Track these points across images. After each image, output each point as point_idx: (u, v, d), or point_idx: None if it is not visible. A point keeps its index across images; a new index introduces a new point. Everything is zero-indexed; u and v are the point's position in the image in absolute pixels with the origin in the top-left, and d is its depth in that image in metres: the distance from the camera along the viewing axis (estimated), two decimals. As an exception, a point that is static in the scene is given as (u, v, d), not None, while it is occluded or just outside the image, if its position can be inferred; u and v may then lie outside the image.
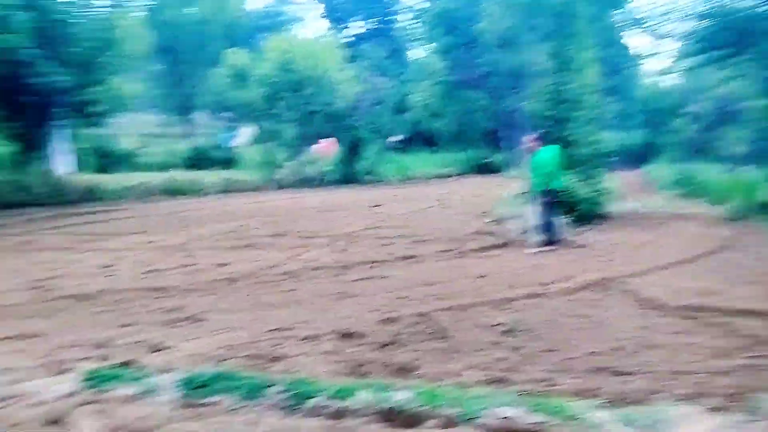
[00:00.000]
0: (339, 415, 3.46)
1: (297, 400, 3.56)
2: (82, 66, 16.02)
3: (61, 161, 18.17)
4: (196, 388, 3.69)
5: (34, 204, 15.06)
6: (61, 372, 4.16)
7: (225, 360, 4.34)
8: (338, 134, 24.22)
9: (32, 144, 16.81)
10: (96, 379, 3.84)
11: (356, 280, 7.02)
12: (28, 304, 5.93)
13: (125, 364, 4.21)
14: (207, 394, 3.64)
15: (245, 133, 31.93)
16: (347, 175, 23.11)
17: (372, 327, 5.19)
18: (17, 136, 16.59)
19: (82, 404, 3.58)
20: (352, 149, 23.68)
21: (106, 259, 8.23)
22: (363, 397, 3.57)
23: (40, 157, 17.20)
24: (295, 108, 23.20)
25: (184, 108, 36.93)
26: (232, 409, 3.46)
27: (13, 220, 13.00)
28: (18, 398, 3.70)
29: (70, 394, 3.78)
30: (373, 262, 7.93)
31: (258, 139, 27.59)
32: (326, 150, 24.87)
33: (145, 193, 18.34)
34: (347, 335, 5.01)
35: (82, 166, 19.71)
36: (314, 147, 24.97)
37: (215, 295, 6.37)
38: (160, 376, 3.88)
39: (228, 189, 20.17)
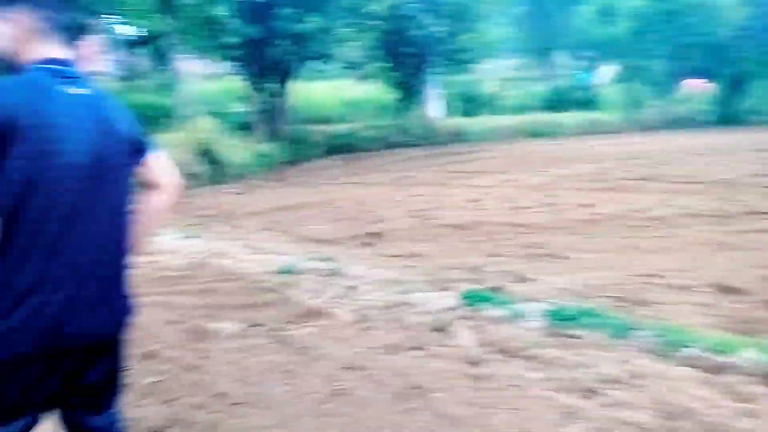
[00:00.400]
0: (717, 369, 3.15)
1: (668, 347, 3.36)
2: (455, 16, 17.34)
3: (433, 106, 20.21)
4: (563, 320, 3.79)
5: (411, 145, 17.20)
6: (444, 288, 4.76)
7: (589, 298, 4.34)
8: (717, 68, 21.08)
9: (410, 91, 19.05)
10: (472, 299, 4.26)
11: (738, 232, 6.16)
12: (413, 230, 6.88)
13: (496, 289, 4.56)
14: (572, 327, 3.72)
15: (606, 72, 30.33)
16: (727, 115, 20.12)
17: (757, 284, 4.53)
18: (399, 84, 18.98)
19: (460, 318, 4.03)
20: (734, 85, 20.36)
21: (474, 195, 8.94)
22: (748, 355, 3.17)
23: (416, 103, 19.42)
24: (667, 41, 20.95)
25: (544, 50, 36.76)
26: (599, 345, 3.46)
27: (395, 158, 15.09)
28: (409, 306, 4.38)
29: (451, 308, 4.30)
30: (762, 213, 6.82)
31: (621, 78, 25.94)
32: (700, 87, 21.99)
33: (506, 135, 19.20)
34: (726, 289, 4.48)
35: (449, 111, 21.60)
36: (686, 84, 22.31)
37: (577, 235, 6.37)
38: (527, 304, 4.11)
39: (588, 131, 19.68)
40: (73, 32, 1.70)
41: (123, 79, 20.01)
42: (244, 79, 14.26)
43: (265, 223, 7.26)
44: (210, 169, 10.24)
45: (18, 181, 1.50)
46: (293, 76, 14.33)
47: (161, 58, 16.90)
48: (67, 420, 1.78)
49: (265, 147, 12.52)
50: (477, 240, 6.44)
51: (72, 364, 1.66)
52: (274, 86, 13.99)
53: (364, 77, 19.18)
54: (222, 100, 17.32)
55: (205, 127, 10.61)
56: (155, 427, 2.72)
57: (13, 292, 1.54)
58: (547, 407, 2.80)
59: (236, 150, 10.95)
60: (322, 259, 5.49)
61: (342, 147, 15.46)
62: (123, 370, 1.86)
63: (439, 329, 3.93)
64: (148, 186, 1.86)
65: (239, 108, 15.63)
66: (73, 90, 1.62)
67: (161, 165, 1.88)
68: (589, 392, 2.93)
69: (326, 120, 19.32)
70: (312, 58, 14.72)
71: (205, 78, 16.61)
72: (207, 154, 10.28)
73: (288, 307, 4.28)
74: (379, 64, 18.09)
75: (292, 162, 13.09)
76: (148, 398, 2.90)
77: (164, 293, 4.49)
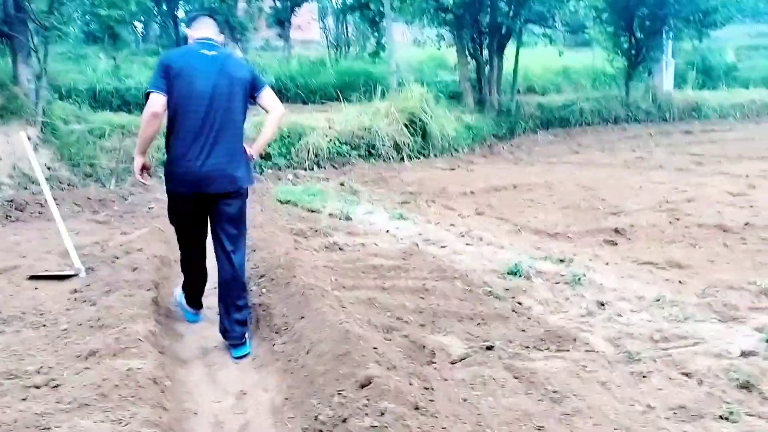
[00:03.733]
0: None
1: None
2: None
3: (662, 77, 17.57)
4: None
5: (636, 120, 15.05)
6: (732, 319, 3.49)
7: None
8: None
9: (638, 59, 16.69)
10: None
11: None
12: (662, 228, 5.50)
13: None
14: None
15: None
16: None
17: None
18: (625, 51, 16.73)
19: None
20: None
21: (736, 186, 7.14)
22: None
23: (643, 73, 16.99)
24: None
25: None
26: None
27: (619, 135, 13.25)
28: (688, 342, 3.20)
29: (752, 353, 3.06)
30: None
31: None
32: None
33: (752, 112, 16.06)
34: None
35: (681, 82, 18.68)
36: None
37: None
38: None
39: None
40: (220, 24, 3.38)
41: (334, 45, 20.41)
42: (454, 46, 13.42)
43: (479, 205, 6.37)
44: (418, 141, 9.62)
45: (176, 96, 3.05)
46: (508, 41, 13.13)
47: (372, 24, 16.74)
48: (218, 241, 3.24)
49: (474, 119, 11.61)
50: (754, 248, 4.91)
51: (218, 207, 3.17)
52: (486, 53, 12.94)
53: (585, 43, 17.20)
54: (429, 68, 16.74)
55: (414, 96, 9.99)
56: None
57: (175, 158, 3.11)
58: None
59: (445, 121, 10.20)
60: (557, 260, 4.46)
61: (556, 120, 13.94)
62: (242, 212, 3.27)
63: (746, 387, 2.74)
64: (264, 109, 3.29)
65: (448, 77, 14.85)
66: (209, 53, 3.14)
67: (269, 97, 3.24)
68: None
69: (536, 90, 17.83)
70: (531, 21, 13.35)
71: (412, 45, 16.10)
72: (415, 125, 9.67)
73: (523, 323, 3.35)
74: (605, 28, 16.03)
75: (503, 136, 12.00)
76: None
77: (373, 288, 3.82)
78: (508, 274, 4.14)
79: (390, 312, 3.45)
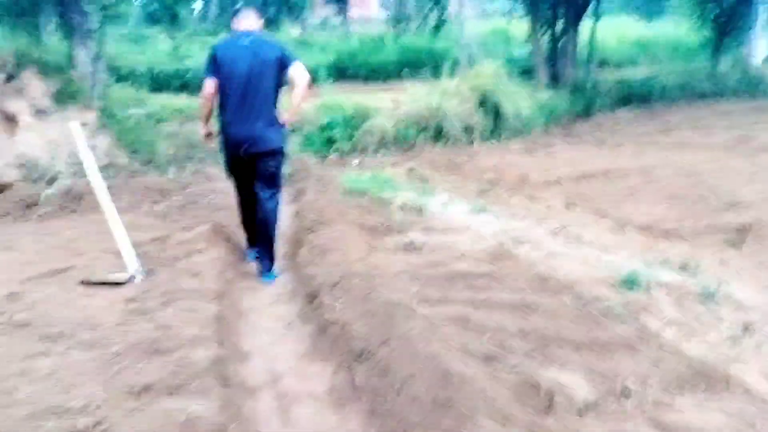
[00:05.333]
0: None
1: None
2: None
3: (755, 49, 16.07)
4: None
5: (724, 95, 13.76)
6: None
7: None
8: None
9: (726, 28, 15.27)
10: None
11: None
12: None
13: None
14: None
15: None
16: None
17: None
18: (712, 20, 15.34)
19: None
20: None
21: None
22: None
23: (733, 45, 15.57)
24: None
25: None
26: None
27: (708, 112, 12.05)
28: None
29: None
30: None
31: None
32: None
33: None
34: None
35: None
36: None
37: None
38: None
39: None
40: (260, 15, 4.14)
41: (393, 21, 19.71)
42: (526, 17, 12.54)
43: (569, 196, 5.69)
44: (490, 122, 8.92)
45: (222, 79, 3.83)
46: (585, 11, 12.15)
47: (435, -2, 15.99)
48: (255, 189, 4.05)
49: (548, 96, 10.77)
50: None
51: (257, 163, 3.95)
52: (561, 25, 12.00)
53: (659, 12, 15.85)
54: (496, 42, 15.86)
55: (486, 73, 9.27)
56: None
57: (223, 126, 3.93)
58: None
59: (518, 99, 9.44)
60: (678, 267, 3.78)
61: (636, 97, 12.88)
62: (278, 168, 4.07)
63: None
64: (291, 82, 3.87)
65: (519, 51, 13.95)
66: (245, 41, 3.88)
67: (297, 71, 3.83)
68: None
69: (610, 64, 16.68)
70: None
71: (478, 18, 15.21)
72: (487, 105, 8.97)
73: (656, 354, 2.73)
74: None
75: (579, 114, 11.10)
76: None
77: (464, 302, 3.27)
78: (623, 285, 3.50)
79: (488, 335, 2.89)
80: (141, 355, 2.67)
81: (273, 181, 4.05)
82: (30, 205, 5.77)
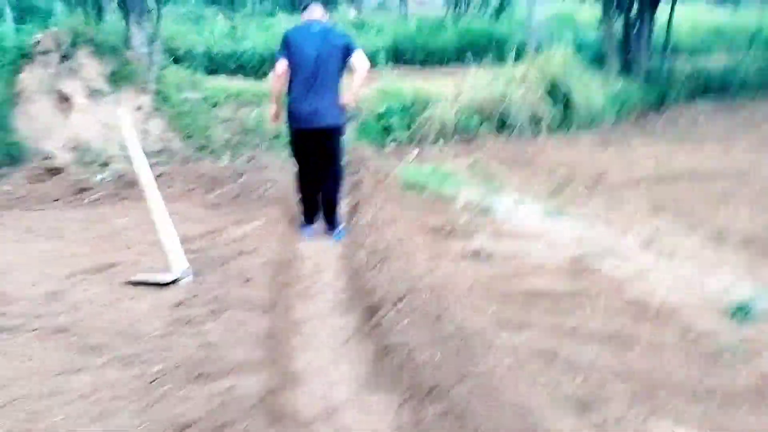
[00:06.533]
0: None
1: None
2: None
3: None
4: None
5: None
6: None
7: None
8: None
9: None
10: None
11: None
12: None
13: None
14: None
15: None
16: None
17: None
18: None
19: None
20: None
21: None
22: None
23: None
24: None
25: None
26: None
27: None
28: None
29: None
30: None
31: None
32: None
33: None
34: None
35: None
36: None
37: None
38: None
39: None
40: (325, 5, 4.52)
41: (452, 4, 19.03)
42: (598, 1, 11.77)
43: (654, 199, 5.12)
44: (559, 112, 8.33)
45: (292, 60, 4.19)
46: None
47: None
48: (320, 168, 4.45)
49: (620, 85, 10.06)
50: None
51: (319, 138, 4.30)
52: (636, 8, 11.19)
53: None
54: (561, 27, 15.04)
55: (555, 61, 8.66)
56: None
57: (291, 102, 4.24)
58: None
59: (589, 89, 8.81)
60: (799, 295, 3.24)
61: (714, 88, 11.96)
62: (339, 145, 4.47)
63: None
64: (353, 68, 4.23)
65: (586, 37, 13.15)
66: (315, 29, 4.27)
67: (358, 58, 4.22)
68: None
69: (681, 51, 15.60)
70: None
71: (540, 2, 14.42)
72: (556, 94, 8.38)
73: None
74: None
75: (652, 105, 10.34)
76: None
77: (548, 329, 2.84)
78: (734, 314, 3.00)
79: (582, 376, 2.46)
80: (184, 379, 2.37)
81: (334, 156, 4.50)
82: (82, 189, 5.62)
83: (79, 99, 6.40)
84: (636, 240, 4.13)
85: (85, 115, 6.36)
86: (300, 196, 4.67)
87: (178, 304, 3.13)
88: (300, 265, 4.06)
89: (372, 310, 3.19)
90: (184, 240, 4.10)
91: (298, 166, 4.54)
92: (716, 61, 13.98)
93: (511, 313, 2.99)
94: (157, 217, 3.80)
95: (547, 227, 4.47)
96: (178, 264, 3.52)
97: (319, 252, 4.54)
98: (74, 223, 4.61)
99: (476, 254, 3.90)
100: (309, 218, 4.71)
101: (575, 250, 3.94)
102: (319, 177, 4.50)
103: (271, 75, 4.70)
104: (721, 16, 19.35)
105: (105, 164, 6.14)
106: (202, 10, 17.00)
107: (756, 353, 2.65)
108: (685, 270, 3.59)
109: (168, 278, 3.43)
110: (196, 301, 3.13)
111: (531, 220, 4.68)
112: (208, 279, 3.42)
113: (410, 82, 8.76)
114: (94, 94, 6.49)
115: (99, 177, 5.58)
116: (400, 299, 3.09)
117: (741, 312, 2.99)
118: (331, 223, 4.66)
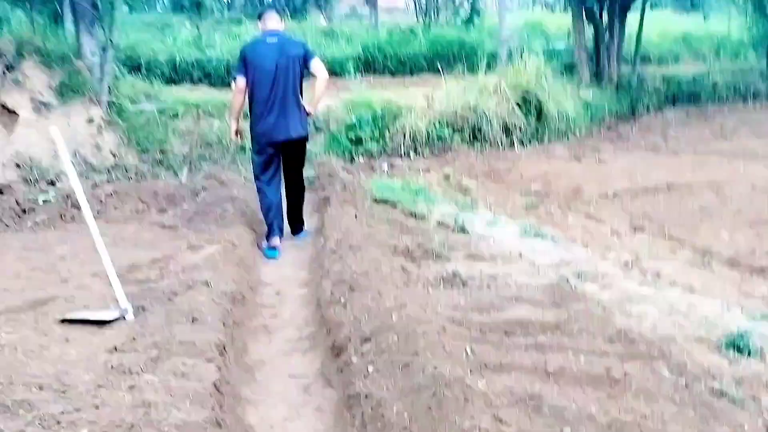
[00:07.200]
0: None
1: None
2: None
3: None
4: None
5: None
6: None
7: None
8: None
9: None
10: None
11: None
12: None
13: None
14: None
15: None
16: None
17: None
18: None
19: None
20: None
21: None
22: None
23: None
24: None
25: None
26: None
27: (762, 115, 11.12)
28: None
29: None
30: None
31: None
32: None
33: None
34: None
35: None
36: None
37: None
38: None
39: None
40: (281, 13, 4.95)
41: (422, 12, 18.85)
42: (569, 8, 11.68)
43: (633, 215, 4.92)
44: (531, 123, 8.14)
45: (251, 76, 4.42)
46: (632, 3, 11.26)
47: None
48: (287, 178, 4.82)
49: (591, 94, 9.94)
50: None
51: (288, 149, 4.63)
52: (605, 17, 11.12)
53: (695, 6, 14.72)
54: (532, 36, 14.96)
55: (529, 70, 8.48)
56: None
57: (254, 118, 4.54)
58: None
59: (561, 98, 8.65)
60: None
61: (684, 96, 11.97)
62: (303, 153, 4.83)
63: None
64: (312, 75, 4.50)
65: (558, 46, 13.03)
66: (271, 41, 4.45)
67: (316, 66, 4.47)
68: None
69: (651, 60, 15.64)
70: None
71: (511, 11, 14.30)
72: (529, 104, 8.19)
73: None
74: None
75: (624, 114, 10.26)
76: None
77: (530, 371, 2.56)
78: (728, 346, 2.77)
79: (570, 429, 2.18)
80: (113, 449, 2.02)
81: (300, 164, 4.85)
82: (26, 210, 5.20)
83: (25, 113, 5.98)
84: (617, 263, 3.90)
85: (31, 130, 5.94)
86: (264, 210, 4.73)
87: (115, 349, 2.77)
88: (259, 295, 3.73)
89: (336, 351, 2.88)
90: (130, 269, 3.75)
91: (263, 179, 4.66)
92: (685, 69, 14.06)
93: (488, 352, 2.70)
94: (99, 247, 3.43)
95: (525, 248, 4.21)
96: (120, 300, 3.16)
97: (281, 279, 4.22)
98: (10, 252, 4.21)
99: (451, 280, 3.62)
100: (275, 232, 4.71)
101: (555, 275, 3.69)
102: (287, 186, 4.83)
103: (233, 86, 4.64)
104: (689, 24, 19.57)
105: (52, 183, 5.74)
106: (169, 18, 16.52)
107: (756, 398, 2.41)
108: (671, 296, 3.36)
109: (106, 316, 3.07)
110: (134, 345, 2.78)
111: (507, 240, 4.42)
112: (151, 318, 3.07)
113: (380, 93, 8.50)
114: (40, 107, 6.08)
115: (41, 199, 5.16)
116: (367, 340, 2.78)
117: (735, 347, 2.76)
118: (297, 226, 4.98)
